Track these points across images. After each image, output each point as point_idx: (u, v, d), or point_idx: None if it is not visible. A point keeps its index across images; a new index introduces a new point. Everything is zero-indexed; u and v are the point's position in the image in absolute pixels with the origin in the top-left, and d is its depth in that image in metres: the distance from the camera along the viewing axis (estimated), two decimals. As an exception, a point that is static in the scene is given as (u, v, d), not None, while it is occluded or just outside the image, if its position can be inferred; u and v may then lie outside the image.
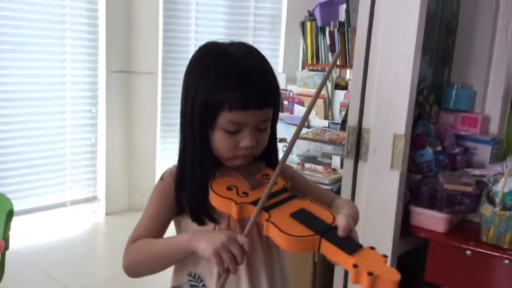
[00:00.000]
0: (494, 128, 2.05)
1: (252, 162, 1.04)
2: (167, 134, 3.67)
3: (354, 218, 0.93)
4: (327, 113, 3.15)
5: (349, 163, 1.76)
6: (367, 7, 1.67)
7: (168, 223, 1.08)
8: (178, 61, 3.56)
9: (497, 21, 2.01)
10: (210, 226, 1.02)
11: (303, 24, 3.42)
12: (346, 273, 1.84)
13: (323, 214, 0.91)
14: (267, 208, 0.90)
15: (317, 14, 3.36)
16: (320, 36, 3.33)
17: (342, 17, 3.31)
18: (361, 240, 0.86)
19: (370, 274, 0.76)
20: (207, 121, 0.97)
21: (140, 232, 1.05)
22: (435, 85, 2.13)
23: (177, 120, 1.07)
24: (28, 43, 3.13)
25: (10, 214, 1.89)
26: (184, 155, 1.02)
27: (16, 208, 3.15)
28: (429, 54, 2.09)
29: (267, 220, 0.88)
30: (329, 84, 3.23)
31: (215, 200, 0.96)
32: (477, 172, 1.80)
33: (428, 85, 2.06)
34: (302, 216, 0.90)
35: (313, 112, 3.17)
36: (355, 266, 0.78)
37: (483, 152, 1.95)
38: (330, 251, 0.83)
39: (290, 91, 3.36)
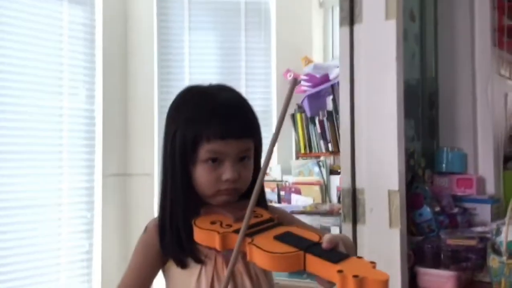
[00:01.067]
0: (490, 188, 2.04)
1: (238, 200, 1.02)
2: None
3: (345, 241, 0.89)
4: (325, 199, 3.14)
5: (347, 227, 1.71)
6: (347, 75, 1.74)
7: (154, 274, 1.04)
8: (174, 161, 3.61)
9: (476, 85, 2.08)
10: (196, 268, 0.97)
11: (293, 116, 3.54)
12: None
13: (309, 234, 0.88)
14: (250, 234, 0.87)
15: (306, 106, 3.50)
16: (311, 126, 3.43)
17: (329, 106, 3.44)
18: None
19: (355, 276, 0.72)
20: (187, 157, 0.97)
21: (125, 286, 1.01)
22: (425, 152, 2.14)
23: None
24: (24, 151, 3.19)
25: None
26: (165, 197, 1.01)
27: (6, 323, 2.99)
28: (416, 127, 2.14)
29: (250, 243, 0.85)
30: (323, 170, 3.26)
31: (198, 235, 0.92)
32: (479, 229, 1.75)
33: (418, 151, 2.08)
34: (286, 238, 0.87)
35: (310, 200, 3.15)
36: (339, 271, 0.74)
37: (483, 212, 1.91)
38: (316, 265, 0.79)
39: (286, 181, 3.37)
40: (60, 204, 3.37)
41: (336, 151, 3.27)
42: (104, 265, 3.48)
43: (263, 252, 0.81)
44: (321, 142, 3.36)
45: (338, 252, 0.81)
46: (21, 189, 3.17)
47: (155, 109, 3.66)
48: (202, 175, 0.97)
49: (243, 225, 0.86)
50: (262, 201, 1.05)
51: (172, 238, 0.98)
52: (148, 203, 3.59)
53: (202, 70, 3.84)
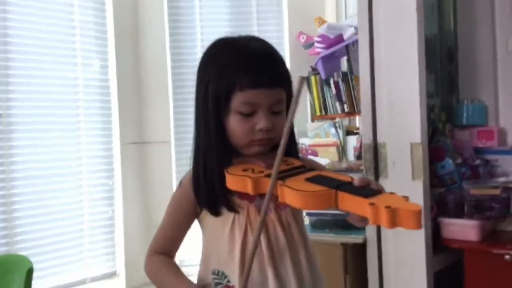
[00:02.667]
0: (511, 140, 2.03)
1: (271, 151, 1.03)
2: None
3: (377, 184, 0.89)
4: (342, 159, 3.14)
5: (369, 181, 1.72)
6: (366, 27, 1.72)
7: (188, 227, 1.07)
8: (190, 128, 3.62)
9: (496, 36, 2.05)
10: (230, 216, 1.00)
11: (307, 79, 3.51)
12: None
13: (340, 176, 0.89)
14: (282, 178, 0.88)
15: (320, 68, 3.46)
16: (326, 88, 3.40)
17: (344, 67, 3.41)
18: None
19: (387, 207, 0.73)
20: (221, 107, 0.98)
21: (159, 242, 1.07)
22: (445, 107, 2.13)
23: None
24: (41, 122, 3.23)
25: (29, 273, 1.85)
26: (198, 149, 1.03)
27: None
28: (435, 81, 2.12)
29: (281, 185, 0.86)
30: (340, 132, 3.26)
31: (230, 181, 0.94)
32: (502, 179, 1.75)
33: (438, 105, 2.07)
34: (317, 179, 0.88)
35: (327, 162, 3.16)
36: (371, 204, 0.75)
37: (506, 163, 1.91)
38: (347, 201, 0.80)
39: (302, 144, 3.38)
40: (80, 172, 3.42)
41: (352, 112, 3.24)
42: (127, 230, 3.56)
43: (295, 191, 0.83)
44: (337, 104, 3.33)
45: (370, 189, 0.82)
46: (41, 158, 3.22)
47: (169, 77, 3.66)
48: (236, 125, 0.98)
49: (274, 167, 0.87)
50: (294, 152, 1.06)
51: (207, 188, 0.99)
52: (166, 170, 3.63)
53: (213, 36, 3.77)
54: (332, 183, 0.84)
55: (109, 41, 3.56)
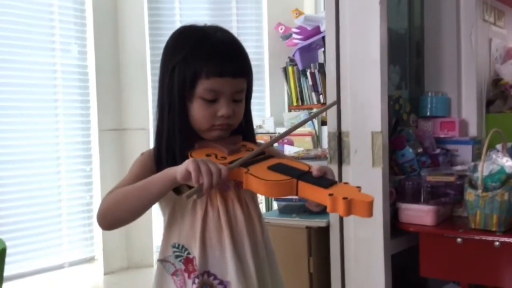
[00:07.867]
0: (473, 131, 2.12)
1: (230, 136, 1.09)
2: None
3: (331, 171, 0.96)
4: (316, 149, 3.22)
5: (333, 168, 1.79)
6: (332, 19, 1.79)
7: None
8: (168, 115, 3.66)
9: (460, 31, 2.13)
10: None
11: (285, 69, 3.58)
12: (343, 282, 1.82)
13: (299, 165, 0.96)
14: (245, 165, 0.95)
15: (297, 59, 3.53)
16: (302, 79, 3.48)
17: (321, 59, 3.48)
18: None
19: (345, 198, 0.81)
20: (185, 93, 1.04)
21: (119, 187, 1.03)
22: (412, 98, 2.21)
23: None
24: (20, 107, 3.25)
25: (2, 253, 1.88)
26: (161, 130, 1.08)
27: (12, 272, 3.14)
28: (402, 74, 2.19)
29: (246, 172, 0.93)
30: (315, 122, 3.34)
31: None
32: (459, 167, 1.84)
33: (405, 97, 2.15)
34: (279, 168, 0.95)
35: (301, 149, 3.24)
36: (330, 195, 0.83)
37: (465, 153, 2.00)
38: (307, 190, 0.88)
39: (278, 133, 3.45)
40: (59, 158, 3.46)
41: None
42: (104, 217, 3.60)
43: (260, 180, 0.90)
44: (313, 94, 3.42)
45: (327, 179, 0.90)
46: (20, 143, 3.25)
47: (148, 64, 3.70)
48: (198, 110, 1.04)
49: (242, 159, 0.95)
50: (251, 136, 1.13)
51: (168, 167, 1.05)
52: (145, 157, 3.67)
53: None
54: (293, 172, 0.91)
55: (88, 27, 3.58)
